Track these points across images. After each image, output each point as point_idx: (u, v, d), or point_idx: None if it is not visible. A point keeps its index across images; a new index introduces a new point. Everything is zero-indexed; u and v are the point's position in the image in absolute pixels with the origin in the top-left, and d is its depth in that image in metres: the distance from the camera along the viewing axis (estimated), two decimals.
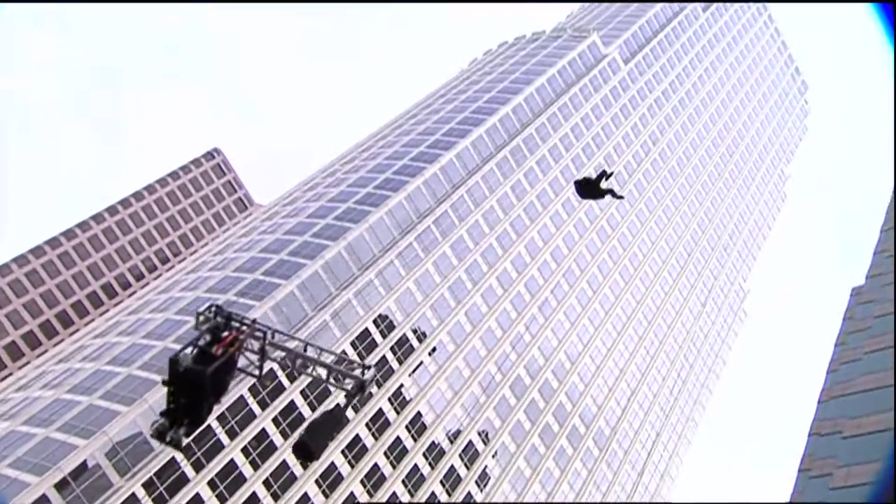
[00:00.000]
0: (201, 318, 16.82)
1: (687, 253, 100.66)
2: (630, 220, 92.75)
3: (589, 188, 21.79)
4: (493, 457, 65.44)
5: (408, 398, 61.10)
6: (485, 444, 65.16)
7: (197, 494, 48.21)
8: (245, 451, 50.59)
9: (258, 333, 17.42)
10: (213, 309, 16.89)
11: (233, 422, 50.75)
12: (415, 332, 64.42)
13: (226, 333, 16.42)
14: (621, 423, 79.97)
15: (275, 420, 52.70)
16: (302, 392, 54.55)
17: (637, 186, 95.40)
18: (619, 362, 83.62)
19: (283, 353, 18.28)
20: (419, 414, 61.15)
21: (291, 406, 53.60)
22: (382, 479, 56.83)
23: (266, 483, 50.66)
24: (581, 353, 78.83)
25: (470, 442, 64.02)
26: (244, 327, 16.95)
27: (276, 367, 50.45)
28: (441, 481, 59.91)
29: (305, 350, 18.55)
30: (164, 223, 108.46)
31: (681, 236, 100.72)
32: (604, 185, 21.42)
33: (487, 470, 64.49)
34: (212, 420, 49.40)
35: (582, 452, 73.90)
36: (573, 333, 78.91)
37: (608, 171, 21.43)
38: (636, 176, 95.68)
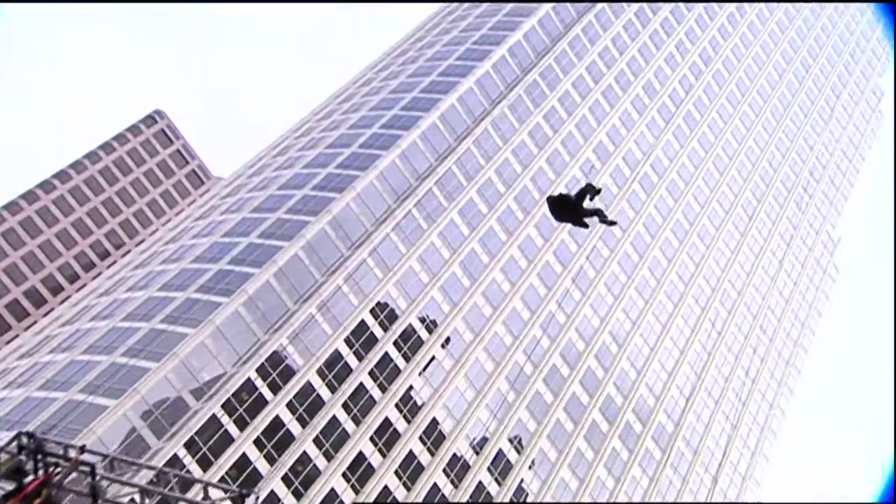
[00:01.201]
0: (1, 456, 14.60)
1: (757, 199, 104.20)
2: (680, 160, 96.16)
3: (565, 209, 21.24)
4: (530, 468, 70.08)
5: (419, 403, 65.57)
6: (518, 452, 69.79)
7: (243, 454, 54.92)
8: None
9: (84, 467, 15.68)
10: (21, 440, 14.86)
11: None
12: (422, 320, 68.72)
13: (30, 478, 14.55)
14: (686, 416, 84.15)
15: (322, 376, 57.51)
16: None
17: (687, 119, 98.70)
18: (679, 341, 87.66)
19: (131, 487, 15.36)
20: (435, 421, 65.72)
21: (337, 357, 58.75)
22: None
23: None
24: (630, 333, 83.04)
25: (500, 451, 68.68)
26: (61, 464, 14.98)
27: None
28: (468, 503, 64.44)
29: (158, 481, 16.74)
30: (99, 208, 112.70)
31: (748, 178, 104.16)
32: (588, 204, 21.13)
33: (524, 484, 69.10)
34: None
35: (640, 456, 78.33)
36: (618, 308, 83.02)
37: (594, 187, 20.76)
38: (685, 106, 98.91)
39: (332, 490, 58.09)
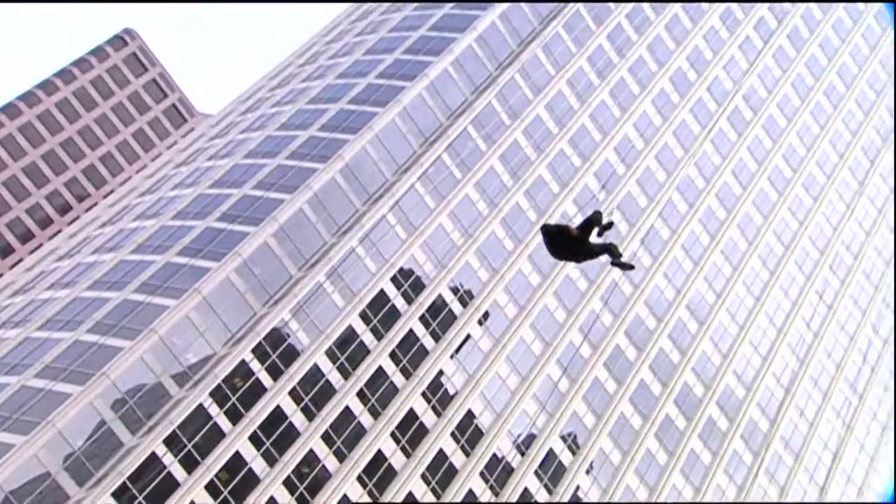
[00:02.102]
0: None
1: (882, 137, 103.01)
2: (782, 89, 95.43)
3: (564, 244, 20.87)
4: (588, 472, 71.17)
5: (451, 392, 66.72)
6: (573, 453, 70.88)
7: (237, 453, 56.59)
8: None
9: None
10: None
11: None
12: (455, 290, 69.59)
13: None
14: (785, 411, 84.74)
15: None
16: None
17: (792, 37, 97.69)
18: (776, 317, 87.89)
19: None
20: (470, 415, 66.94)
21: (351, 335, 60.24)
22: None
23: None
24: (713, 307, 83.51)
25: (550, 452, 69.92)
26: None
27: None
28: None
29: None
30: (57, 150, 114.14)
31: (870, 111, 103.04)
32: (596, 239, 20.76)
33: (580, 493, 70.38)
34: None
35: (725, 460, 79.23)
36: (698, 277, 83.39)
37: (604, 220, 20.48)
38: (791, 21, 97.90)
39: (346, 497, 59.65)
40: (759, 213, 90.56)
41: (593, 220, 21.58)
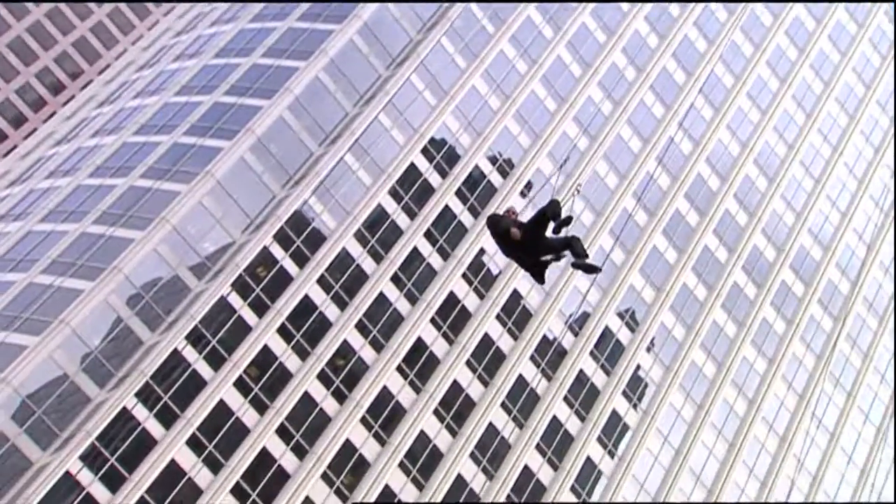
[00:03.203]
0: None
1: None
2: None
3: (514, 244, 19.57)
4: (649, 350, 73.07)
5: (494, 271, 68.28)
6: (631, 330, 72.74)
7: (265, 347, 58.05)
8: None
9: None
10: None
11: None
12: (493, 160, 70.55)
13: None
14: (868, 270, 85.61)
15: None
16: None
17: None
18: (857, 168, 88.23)
19: None
20: (516, 294, 68.51)
21: (381, 215, 62.42)
22: (470, 404, 64.77)
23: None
24: (785, 160, 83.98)
25: (606, 331, 71.66)
26: None
27: None
28: (566, 397, 68.03)
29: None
30: (46, 25, 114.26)
31: None
32: (553, 234, 19.45)
33: (641, 372, 72.19)
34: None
35: (802, 327, 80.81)
36: (767, 127, 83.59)
37: (559, 212, 19.10)
38: None
39: (385, 389, 61.86)
40: (835, 49, 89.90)
41: (548, 214, 19.41)
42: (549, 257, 19.78)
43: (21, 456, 52.88)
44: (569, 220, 19.43)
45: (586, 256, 19.52)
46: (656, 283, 74.49)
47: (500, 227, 19.71)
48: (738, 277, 78.49)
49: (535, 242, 19.64)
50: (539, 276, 20.34)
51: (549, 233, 19.63)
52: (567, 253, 19.75)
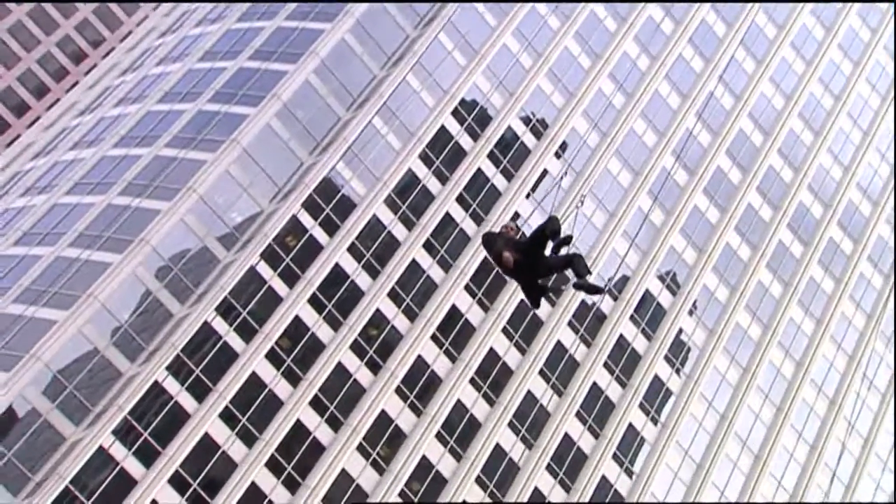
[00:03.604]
0: None
1: None
2: None
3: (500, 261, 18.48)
4: (691, 313, 73.79)
5: (529, 232, 68.35)
6: (673, 293, 73.41)
7: (296, 318, 59.66)
8: None
9: None
10: None
11: None
12: (526, 121, 71.24)
13: None
14: None
15: None
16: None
17: None
18: None
19: None
20: None
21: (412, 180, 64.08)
22: (507, 372, 65.91)
23: None
24: (831, 112, 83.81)
25: (647, 294, 72.27)
26: None
27: None
28: (606, 363, 68.95)
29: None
30: None
31: None
32: (552, 254, 18.86)
33: (683, 336, 73.02)
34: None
35: (851, 285, 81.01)
36: (812, 78, 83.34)
37: (558, 230, 18.46)
38: None
39: (420, 358, 62.90)
40: None
41: (546, 232, 18.83)
42: (548, 280, 19.34)
43: (54, 431, 54.34)
44: (569, 238, 18.85)
45: (588, 274, 18.74)
46: (698, 244, 74.95)
47: (493, 250, 18.93)
48: (784, 236, 78.81)
49: (534, 263, 18.86)
50: (535, 302, 19.52)
51: (549, 251, 19.16)
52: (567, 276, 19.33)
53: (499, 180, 68.67)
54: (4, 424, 54.13)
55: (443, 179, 66.88)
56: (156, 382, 55.36)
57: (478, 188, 67.93)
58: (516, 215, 67.64)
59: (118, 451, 54.02)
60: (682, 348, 72.33)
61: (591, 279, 19.42)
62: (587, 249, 69.92)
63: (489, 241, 19.41)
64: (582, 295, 68.26)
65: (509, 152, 69.40)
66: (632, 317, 70.63)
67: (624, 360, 69.54)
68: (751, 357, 74.43)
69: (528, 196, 68.94)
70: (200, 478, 55.60)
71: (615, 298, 70.58)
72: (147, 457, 54.76)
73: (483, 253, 66.10)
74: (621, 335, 69.84)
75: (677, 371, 71.48)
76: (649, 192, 73.14)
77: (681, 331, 72.41)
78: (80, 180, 64.98)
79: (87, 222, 61.28)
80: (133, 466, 54.31)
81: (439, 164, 67.01)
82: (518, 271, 19.08)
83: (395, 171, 65.06)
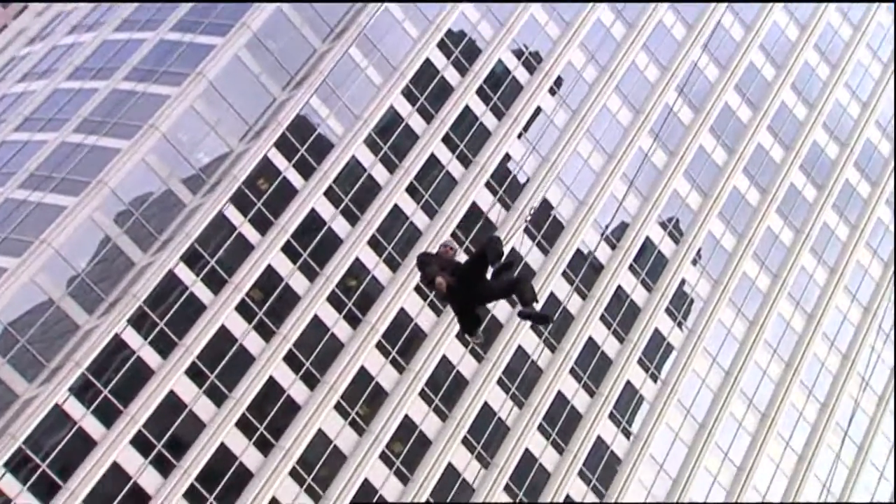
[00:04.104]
0: None
1: None
2: None
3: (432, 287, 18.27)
4: (695, 263, 73.09)
5: (522, 179, 68.33)
6: (675, 241, 72.71)
7: (269, 268, 58.54)
8: None
9: None
10: None
11: None
12: (518, 54, 70.25)
13: None
14: None
15: None
16: None
17: None
18: None
19: None
20: (546, 204, 68.21)
21: (393, 118, 62.19)
22: (496, 326, 65.09)
23: None
24: (850, 43, 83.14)
25: (647, 242, 71.58)
26: None
27: None
28: (603, 316, 68.18)
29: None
30: None
31: None
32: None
33: (686, 287, 72.36)
34: None
35: (867, 232, 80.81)
36: (828, 8, 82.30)
37: (500, 250, 17.95)
38: None
39: (402, 311, 62.24)
40: None
41: (488, 254, 17.98)
42: (486, 311, 18.42)
43: (5, 388, 53.78)
44: (510, 264, 18.08)
45: (534, 300, 17.95)
46: (703, 188, 74.26)
47: (426, 275, 18.23)
48: (796, 178, 78.11)
49: (472, 289, 18.10)
50: (469, 330, 18.73)
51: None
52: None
53: (488, 119, 67.79)
54: None
55: (427, 118, 65.93)
56: (116, 336, 54.58)
57: (465, 127, 67.03)
58: (507, 157, 66.72)
59: (76, 409, 53.29)
60: (685, 300, 71.78)
61: (539, 306, 18.33)
62: (584, 194, 68.99)
63: (423, 262, 18.58)
64: (578, 241, 67.73)
65: (500, 88, 68.63)
66: (631, 266, 69.99)
67: (622, 313, 69.05)
68: (758, 309, 73.93)
69: (519, 136, 68.15)
70: (165, 439, 54.99)
71: (613, 247, 69.78)
72: (107, 416, 54.07)
73: (471, 199, 65.46)
74: (619, 286, 69.27)
75: (679, 325, 70.93)
76: (651, 132, 72.03)
77: (683, 281, 71.79)
78: (30, 115, 63.96)
79: (39, 162, 60.28)
80: (92, 426, 53.61)
81: (423, 100, 66.08)
82: (453, 297, 18.21)
83: (375, 109, 64.07)
